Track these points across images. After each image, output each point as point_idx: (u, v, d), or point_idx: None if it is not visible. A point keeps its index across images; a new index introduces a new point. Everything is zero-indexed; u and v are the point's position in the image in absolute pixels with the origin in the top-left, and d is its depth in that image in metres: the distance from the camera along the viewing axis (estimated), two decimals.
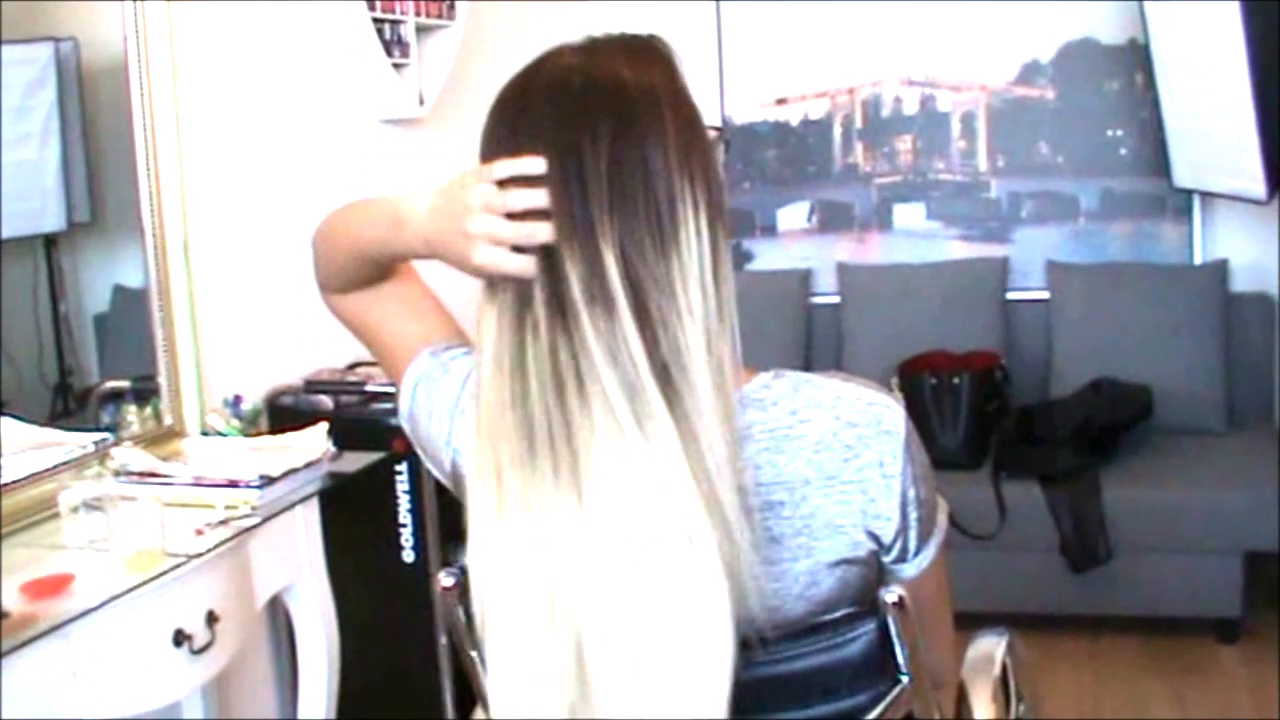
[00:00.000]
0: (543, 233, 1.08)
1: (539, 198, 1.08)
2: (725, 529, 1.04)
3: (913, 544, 1.20)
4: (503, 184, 1.10)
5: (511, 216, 1.09)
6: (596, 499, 1.04)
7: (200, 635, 2.09)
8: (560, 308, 1.07)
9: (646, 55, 1.14)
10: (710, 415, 1.05)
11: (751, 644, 1.10)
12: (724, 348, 1.08)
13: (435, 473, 1.31)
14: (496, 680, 1.08)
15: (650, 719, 1.03)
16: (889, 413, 1.15)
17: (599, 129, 1.08)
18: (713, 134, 1.16)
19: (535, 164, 1.09)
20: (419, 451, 1.31)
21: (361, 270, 1.31)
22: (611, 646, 1.04)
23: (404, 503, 2.90)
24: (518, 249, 1.09)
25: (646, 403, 1.04)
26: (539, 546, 1.05)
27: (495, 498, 1.07)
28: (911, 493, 1.16)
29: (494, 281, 1.12)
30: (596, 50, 1.14)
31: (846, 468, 1.13)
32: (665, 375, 1.05)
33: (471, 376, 1.23)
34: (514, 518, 1.06)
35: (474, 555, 1.09)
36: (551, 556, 1.05)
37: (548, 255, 1.08)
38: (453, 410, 1.25)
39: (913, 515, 1.17)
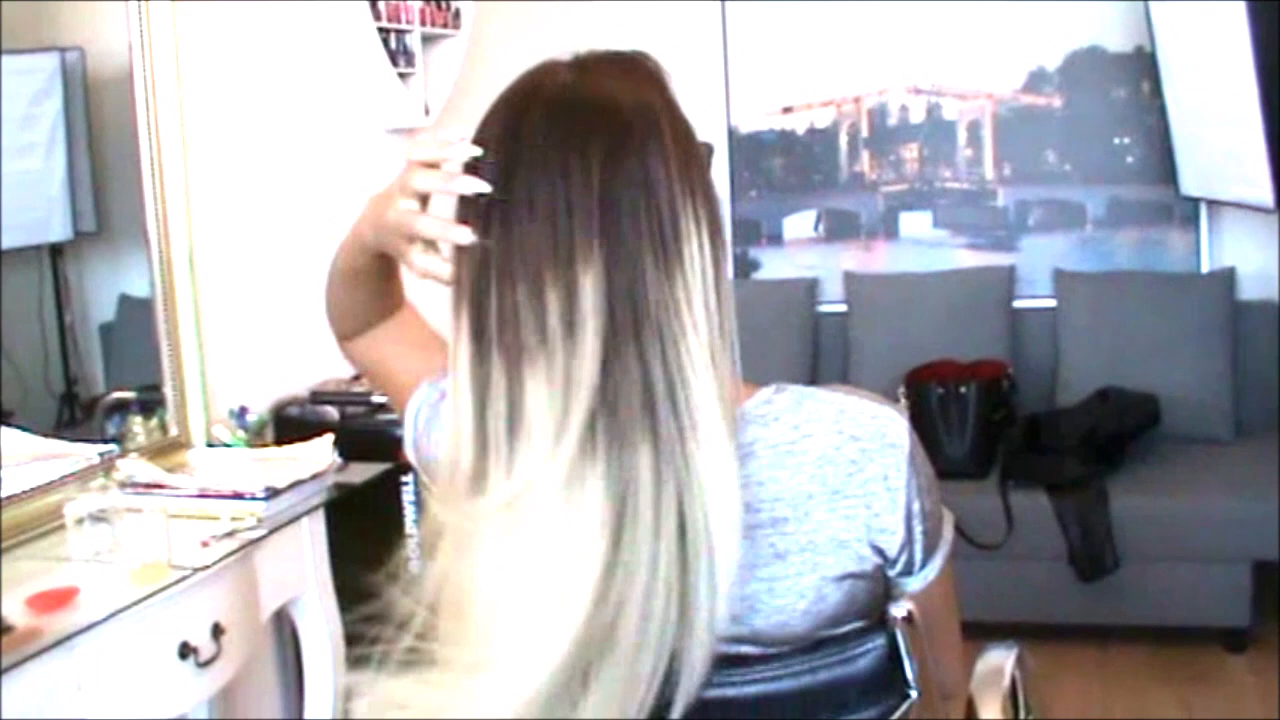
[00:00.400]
0: (461, 235, 1.06)
1: (468, 184, 1.06)
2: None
3: (918, 557, 1.19)
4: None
5: (464, 203, 1.07)
6: (603, 518, 1.03)
7: (206, 648, 2.09)
8: (553, 329, 1.03)
9: (637, 72, 1.13)
10: (712, 432, 1.04)
11: (758, 659, 1.09)
12: (726, 364, 1.07)
13: None
14: (487, 687, 1.06)
15: None
16: (893, 425, 1.14)
17: (591, 149, 1.04)
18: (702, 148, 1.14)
19: (466, 149, 1.08)
20: (424, 478, 1.32)
21: (359, 298, 1.34)
22: (611, 653, 1.03)
23: (410, 514, 2.90)
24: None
25: (650, 420, 1.03)
26: (547, 567, 1.04)
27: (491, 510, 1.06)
28: (916, 505, 1.15)
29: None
30: (587, 68, 1.11)
31: (850, 482, 1.12)
32: (670, 393, 1.04)
33: None
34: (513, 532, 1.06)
35: (462, 562, 1.09)
36: (557, 575, 1.04)
37: (532, 281, 1.03)
38: None
39: (918, 528, 1.17)
